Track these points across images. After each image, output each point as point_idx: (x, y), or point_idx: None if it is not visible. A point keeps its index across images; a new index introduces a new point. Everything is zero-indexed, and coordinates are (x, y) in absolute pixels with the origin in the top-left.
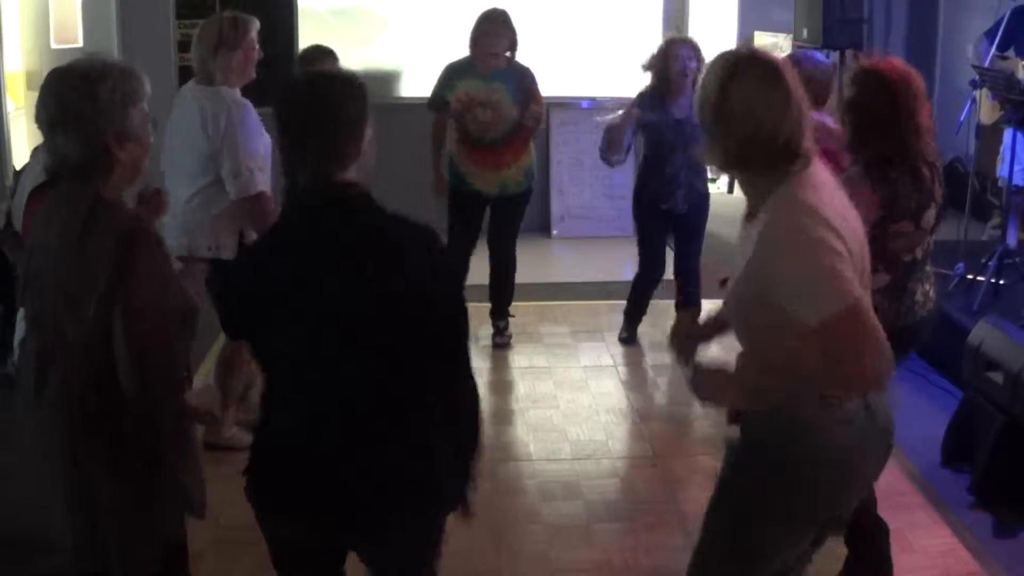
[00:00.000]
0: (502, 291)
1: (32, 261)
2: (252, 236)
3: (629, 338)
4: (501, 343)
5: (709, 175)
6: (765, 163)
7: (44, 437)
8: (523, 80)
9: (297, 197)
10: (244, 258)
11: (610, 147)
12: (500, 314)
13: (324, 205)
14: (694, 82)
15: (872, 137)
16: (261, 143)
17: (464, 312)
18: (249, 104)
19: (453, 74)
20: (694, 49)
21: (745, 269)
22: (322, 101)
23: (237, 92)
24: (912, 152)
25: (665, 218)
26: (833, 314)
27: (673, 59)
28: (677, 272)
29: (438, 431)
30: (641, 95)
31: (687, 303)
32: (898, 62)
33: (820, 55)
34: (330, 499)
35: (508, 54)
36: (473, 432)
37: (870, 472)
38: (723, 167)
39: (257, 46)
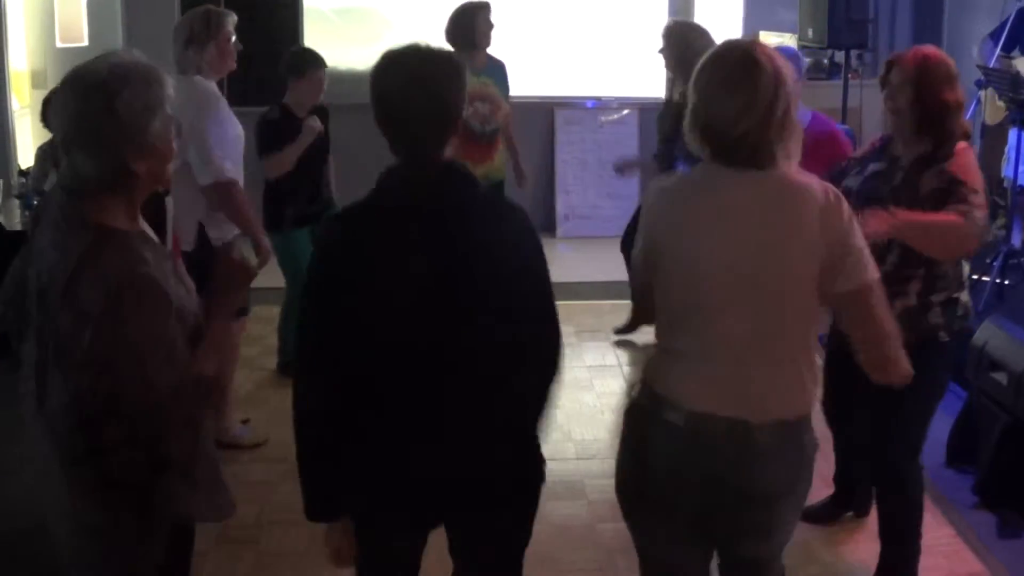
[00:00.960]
0: None
1: (37, 273)
2: (215, 228)
3: (624, 329)
4: None
5: None
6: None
7: (42, 448)
8: (503, 74)
9: (400, 173)
10: (343, 233)
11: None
12: None
13: (430, 181)
14: None
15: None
16: (230, 133)
17: (550, 285)
18: (219, 95)
19: None
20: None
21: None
22: (423, 82)
23: (210, 83)
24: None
25: None
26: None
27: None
28: None
29: (533, 403)
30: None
31: None
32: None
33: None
34: (435, 483)
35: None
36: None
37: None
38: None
39: (234, 39)
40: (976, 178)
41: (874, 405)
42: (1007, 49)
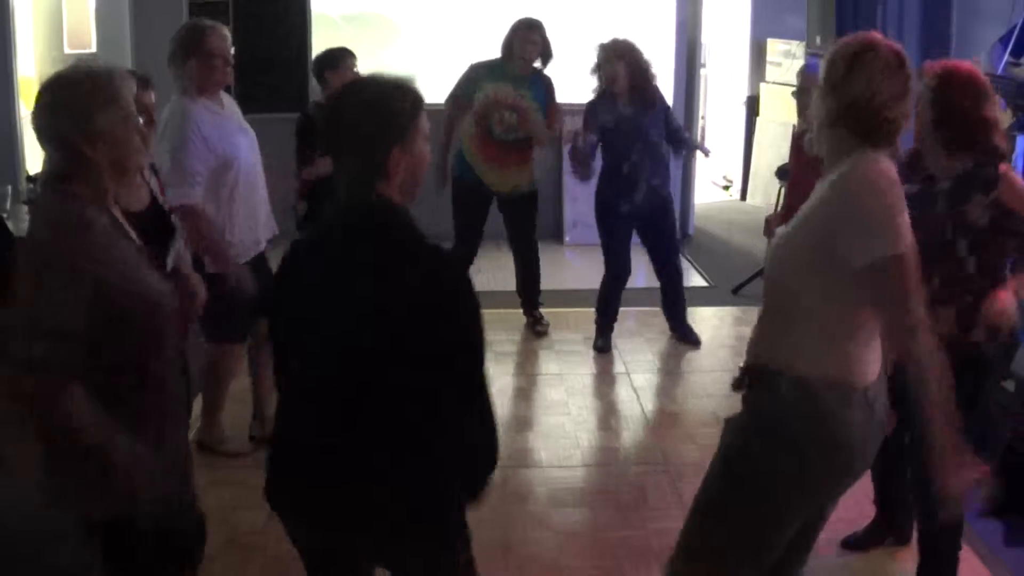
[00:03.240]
0: (534, 284)
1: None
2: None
3: (604, 346)
4: (541, 330)
5: (723, 182)
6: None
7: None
8: (548, 90)
9: (336, 209)
10: (287, 262)
11: (581, 164)
12: (534, 305)
13: (358, 219)
14: (633, 82)
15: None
16: (199, 157)
17: (481, 343)
18: (198, 117)
19: (482, 74)
20: (618, 57)
21: (804, 214)
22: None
23: (192, 103)
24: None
25: (627, 221)
26: (880, 258)
27: (602, 70)
28: (659, 278)
29: (450, 459)
30: (592, 103)
31: (669, 315)
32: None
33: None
34: (336, 511)
35: (539, 64)
36: (486, 466)
37: (866, 463)
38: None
39: (221, 53)
40: None
41: (916, 422)
42: (1016, 55)
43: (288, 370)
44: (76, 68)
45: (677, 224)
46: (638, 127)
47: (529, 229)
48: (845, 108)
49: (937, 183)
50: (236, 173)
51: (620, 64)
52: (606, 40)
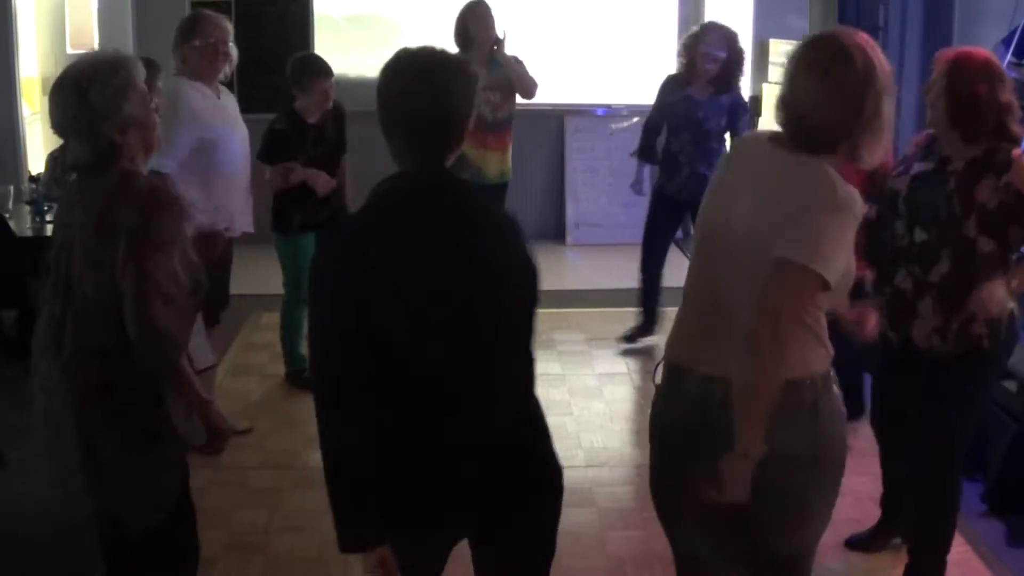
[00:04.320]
0: None
1: (59, 235)
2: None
3: (630, 336)
4: None
5: None
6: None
7: (56, 402)
8: (507, 64)
9: (398, 182)
10: (344, 245)
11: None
12: None
13: (430, 190)
14: (724, 72)
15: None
16: (185, 130)
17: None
18: (183, 96)
19: None
20: (727, 39)
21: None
22: (430, 86)
23: (186, 83)
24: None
25: (672, 208)
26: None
27: (703, 45)
28: None
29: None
30: (666, 81)
31: None
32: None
33: None
34: (457, 491)
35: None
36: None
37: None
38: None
39: (221, 44)
40: None
41: (919, 415)
42: (1018, 55)
43: (382, 373)
44: (90, 60)
45: None
46: (695, 112)
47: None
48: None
49: (951, 163)
50: (221, 155)
51: (724, 47)
52: (717, 22)
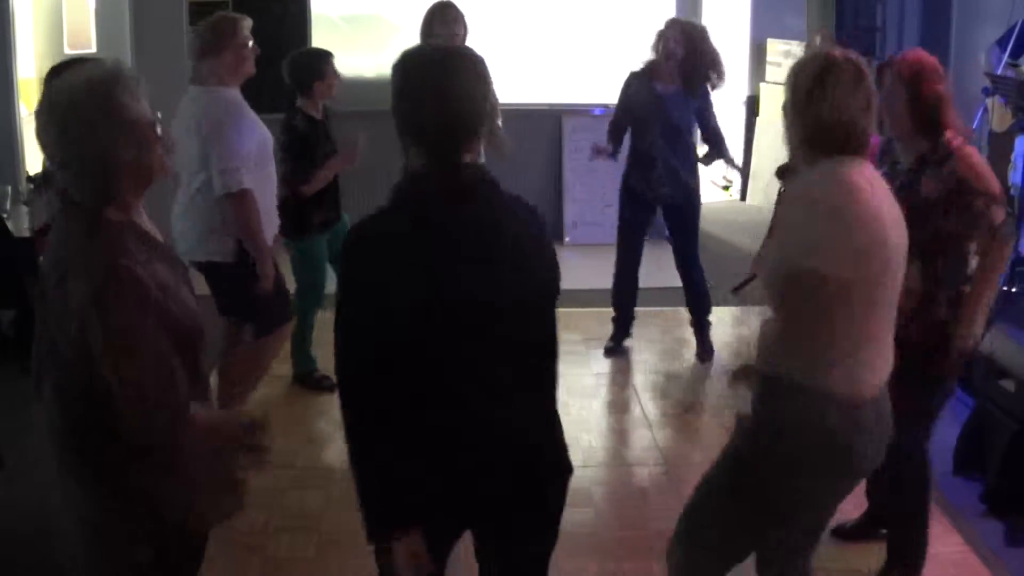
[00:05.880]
0: None
1: (45, 267)
2: (216, 242)
3: (614, 348)
4: None
5: (722, 183)
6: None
7: (44, 435)
8: None
9: (417, 182)
10: (365, 248)
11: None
12: None
13: (453, 189)
14: (684, 66)
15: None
16: (250, 142)
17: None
18: (240, 104)
19: None
20: (685, 34)
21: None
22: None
23: (230, 91)
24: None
25: (648, 210)
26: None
27: (664, 41)
28: (679, 273)
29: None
30: (628, 79)
31: (694, 312)
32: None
33: None
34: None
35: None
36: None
37: (866, 465)
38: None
39: (251, 43)
40: (990, 180)
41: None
42: (1014, 56)
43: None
44: (71, 85)
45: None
46: (664, 108)
47: None
48: (814, 129)
49: (899, 164)
50: (267, 161)
51: (681, 43)
52: (682, 18)
